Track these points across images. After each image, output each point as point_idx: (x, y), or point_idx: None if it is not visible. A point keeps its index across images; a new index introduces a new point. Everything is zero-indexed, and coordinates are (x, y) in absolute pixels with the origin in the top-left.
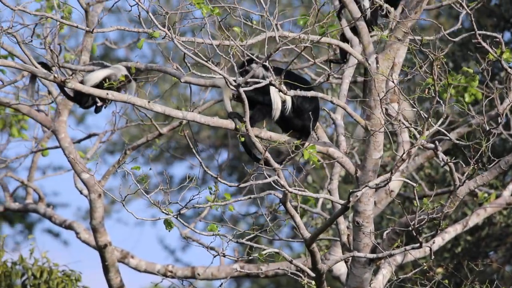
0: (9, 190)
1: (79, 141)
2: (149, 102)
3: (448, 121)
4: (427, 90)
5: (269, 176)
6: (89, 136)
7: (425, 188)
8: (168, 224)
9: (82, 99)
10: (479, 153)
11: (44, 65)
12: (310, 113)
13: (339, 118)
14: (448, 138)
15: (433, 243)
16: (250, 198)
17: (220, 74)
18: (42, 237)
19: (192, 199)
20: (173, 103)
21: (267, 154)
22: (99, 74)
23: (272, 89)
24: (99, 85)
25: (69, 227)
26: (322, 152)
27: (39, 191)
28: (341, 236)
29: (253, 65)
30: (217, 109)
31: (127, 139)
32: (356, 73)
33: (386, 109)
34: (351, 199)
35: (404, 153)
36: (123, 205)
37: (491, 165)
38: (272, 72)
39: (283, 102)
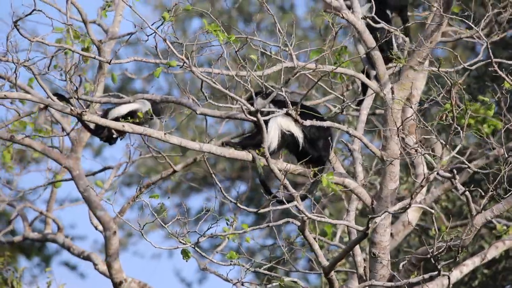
0: (28, 220)
1: (94, 174)
2: (165, 134)
3: (469, 152)
4: (444, 116)
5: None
6: (105, 169)
7: (444, 220)
8: (185, 254)
9: (98, 130)
10: (497, 179)
11: (60, 97)
12: (324, 143)
13: (356, 149)
14: (466, 166)
15: (451, 271)
16: (268, 226)
17: (238, 101)
18: (59, 270)
19: (209, 228)
20: (189, 135)
21: (286, 181)
22: (123, 109)
23: (272, 123)
24: (123, 119)
25: (87, 258)
26: (338, 183)
27: (58, 221)
28: (358, 268)
29: (258, 99)
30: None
31: (144, 171)
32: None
33: (403, 139)
34: (370, 225)
35: (424, 178)
36: (142, 234)
37: (507, 195)
38: (289, 103)
39: (291, 135)
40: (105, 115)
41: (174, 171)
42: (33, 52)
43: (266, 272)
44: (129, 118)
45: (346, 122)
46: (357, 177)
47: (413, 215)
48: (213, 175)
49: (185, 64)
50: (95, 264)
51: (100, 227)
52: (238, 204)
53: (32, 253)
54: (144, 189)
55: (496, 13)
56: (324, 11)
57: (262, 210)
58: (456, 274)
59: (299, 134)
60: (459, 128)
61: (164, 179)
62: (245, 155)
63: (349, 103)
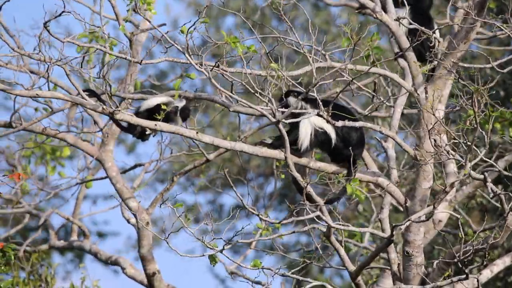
0: (53, 228)
1: (125, 171)
2: (197, 133)
3: (498, 150)
4: (468, 121)
5: (314, 210)
6: (135, 166)
7: (472, 224)
8: (212, 259)
9: (130, 128)
10: None
11: (92, 93)
12: (357, 140)
13: (390, 147)
14: (496, 169)
15: (480, 274)
16: (293, 232)
17: (266, 104)
18: (93, 265)
19: (237, 234)
20: (223, 132)
21: (310, 189)
22: (153, 101)
23: (304, 122)
24: (153, 110)
25: (115, 263)
26: (371, 182)
27: (84, 228)
28: (392, 265)
29: (290, 98)
30: (263, 136)
31: (177, 168)
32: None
33: (435, 140)
34: (394, 232)
35: (446, 186)
36: (167, 243)
37: None
38: (320, 103)
39: (324, 133)
40: (137, 112)
41: (207, 160)
42: (66, 48)
43: (293, 276)
44: (161, 110)
45: (380, 119)
46: (390, 174)
47: (443, 213)
48: (235, 193)
49: (216, 68)
50: (123, 268)
51: (133, 220)
52: (261, 216)
53: (66, 249)
54: (177, 178)
55: None
56: (358, 12)
57: (285, 221)
58: (487, 274)
59: (331, 132)
60: (483, 132)
61: (198, 174)
62: (278, 154)
63: (384, 102)
